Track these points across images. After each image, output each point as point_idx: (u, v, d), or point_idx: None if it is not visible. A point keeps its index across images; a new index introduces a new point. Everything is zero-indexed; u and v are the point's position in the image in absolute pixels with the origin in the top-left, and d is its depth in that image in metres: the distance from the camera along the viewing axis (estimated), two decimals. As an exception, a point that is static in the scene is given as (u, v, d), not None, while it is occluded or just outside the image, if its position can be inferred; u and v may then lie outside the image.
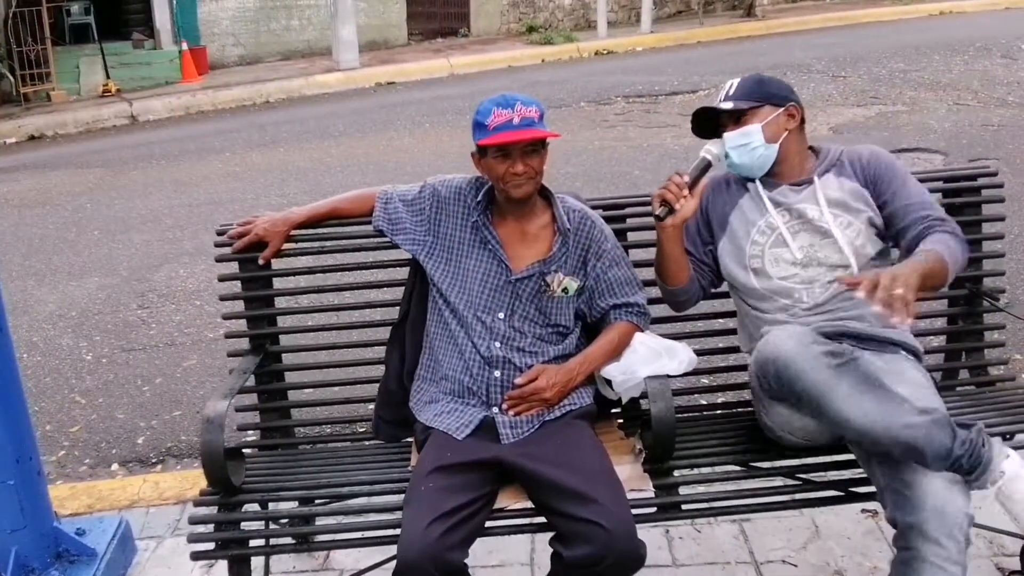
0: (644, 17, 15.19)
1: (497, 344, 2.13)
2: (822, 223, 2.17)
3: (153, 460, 3.49)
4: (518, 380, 2.10)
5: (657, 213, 2.15)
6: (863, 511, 2.66)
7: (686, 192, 2.13)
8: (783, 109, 2.21)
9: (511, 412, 2.08)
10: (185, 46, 12.34)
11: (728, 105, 2.19)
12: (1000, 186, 2.58)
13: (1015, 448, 1.98)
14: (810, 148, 2.31)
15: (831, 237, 2.16)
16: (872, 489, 2.06)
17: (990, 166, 2.66)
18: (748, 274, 2.24)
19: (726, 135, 2.21)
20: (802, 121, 2.25)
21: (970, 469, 1.82)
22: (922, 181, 2.58)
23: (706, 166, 2.19)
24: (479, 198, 2.21)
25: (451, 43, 15.03)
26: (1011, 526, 2.10)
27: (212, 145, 8.88)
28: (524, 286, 2.16)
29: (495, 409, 2.11)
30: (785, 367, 1.91)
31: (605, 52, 14.06)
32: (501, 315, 2.15)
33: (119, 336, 4.58)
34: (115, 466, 3.47)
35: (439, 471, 1.92)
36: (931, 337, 2.69)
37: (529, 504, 1.97)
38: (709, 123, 2.28)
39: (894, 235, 2.18)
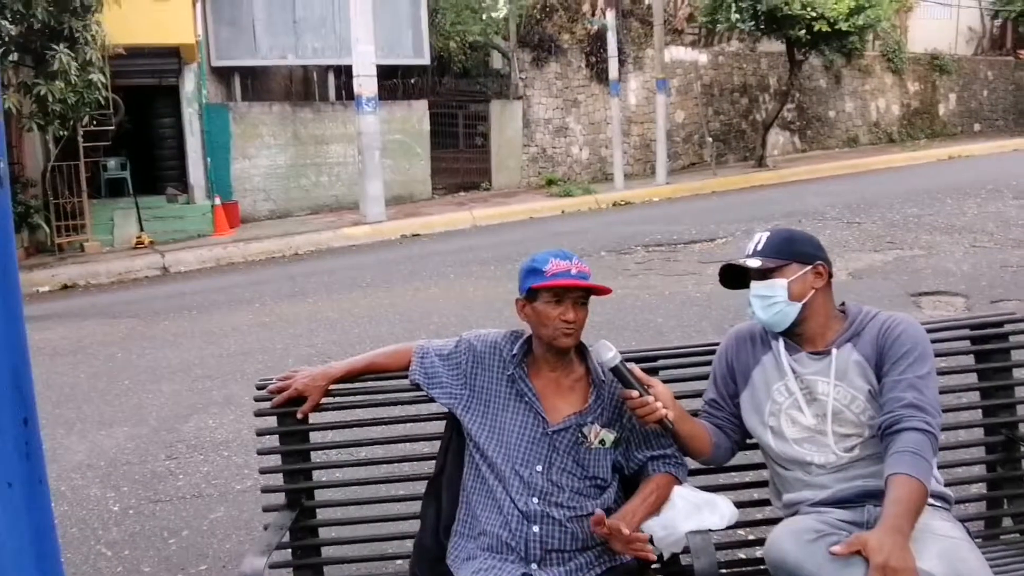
0: (659, 169, 15.76)
1: (535, 499, 2.13)
2: (827, 400, 2.16)
3: (179, 618, 3.42)
4: (595, 519, 2.05)
5: (665, 430, 2.16)
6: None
7: (645, 398, 2.10)
8: (811, 267, 2.22)
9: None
10: (218, 201, 12.88)
11: (755, 263, 2.23)
12: (1028, 332, 2.60)
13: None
14: (842, 307, 2.30)
15: (838, 412, 2.16)
16: None
17: (1015, 312, 2.69)
18: (766, 431, 2.24)
19: (752, 284, 2.25)
20: (829, 278, 2.26)
21: None
22: (947, 330, 2.63)
23: (619, 368, 2.13)
24: (515, 351, 2.26)
25: (473, 196, 15.58)
26: None
27: (242, 296, 9.11)
28: (561, 438, 2.18)
29: (534, 566, 2.08)
30: (794, 572, 1.90)
31: (623, 203, 14.51)
32: (539, 468, 2.16)
33: (146, 487, 4.56)
34: (139, 625, 3.39)
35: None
36: (971, 485, 2.65)
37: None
38: (736, 275, 2.33)
39: (879, 407, 2.13)
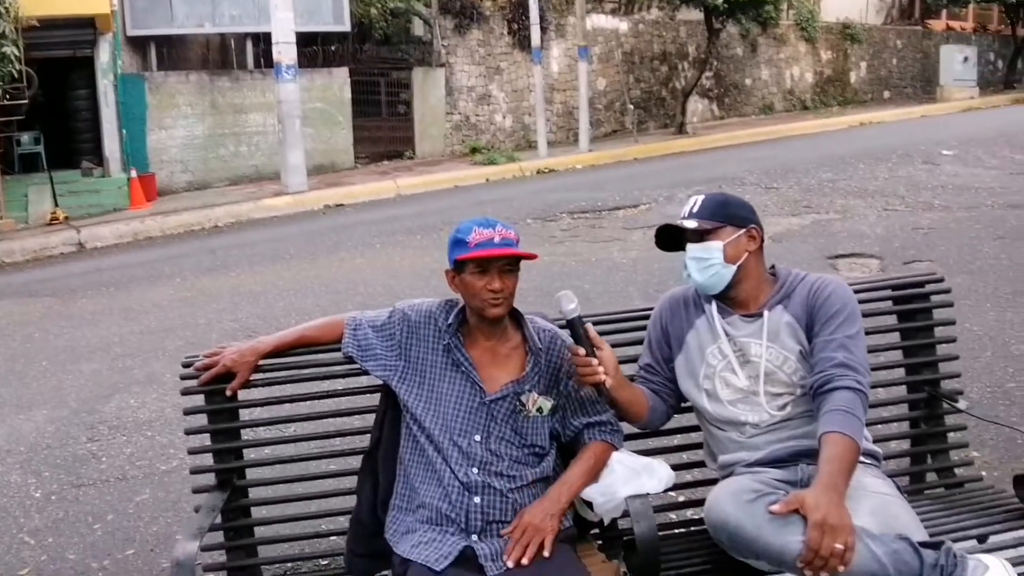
0: (582, 136, 15.82)
1: (475, 470, 2.12)
2: (759, 361, 2.21)
3: (106, 604, 3.32)
4: (505, 532, 2.06)
5: (599, 395, 2.16)
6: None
7: (591, 359, 2.09)
8: (744, 230, 2.26)
9: (512, 561, 1.99)
10: (134, 173, 12.43)
11: (692, 224, 2.25)
12: (948, 291, 2.69)
13: (990, 550, 2.01)
14: (772, 271, 2.34)
15: (771, 372, 2.20)
16: None
17: (936, 272, 2.77)
18: (701, 394, 2.27)
19: (688, 247, 2.27)
20: (762, 242, 2.29)
21: None
22: (871, 291, 2.70)
23: (574, 324, 2.14)
24: (450, 321, 2.23)
25: (397, 165, 15.38)
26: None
27: (162, 271, 8.82)
28: (499, 407, 2.16)
29: (475, 537, 2.07)
30: (735, 533, 1.94)
31: (547, 170, 14.52)
32: (477, 437, 2.14)
33: (68, 471, 4.40)
34: (68, 612, 3.28)
35: (424, 605, 1.87)
36: (894, 441, 2.74)
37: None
38: (672, 238, 2.33)
39: (810, 367, 2.18)
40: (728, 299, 2.28)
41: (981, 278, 6.43)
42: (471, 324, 2.22)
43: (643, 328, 2.49)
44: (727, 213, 2.27)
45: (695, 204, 2.30)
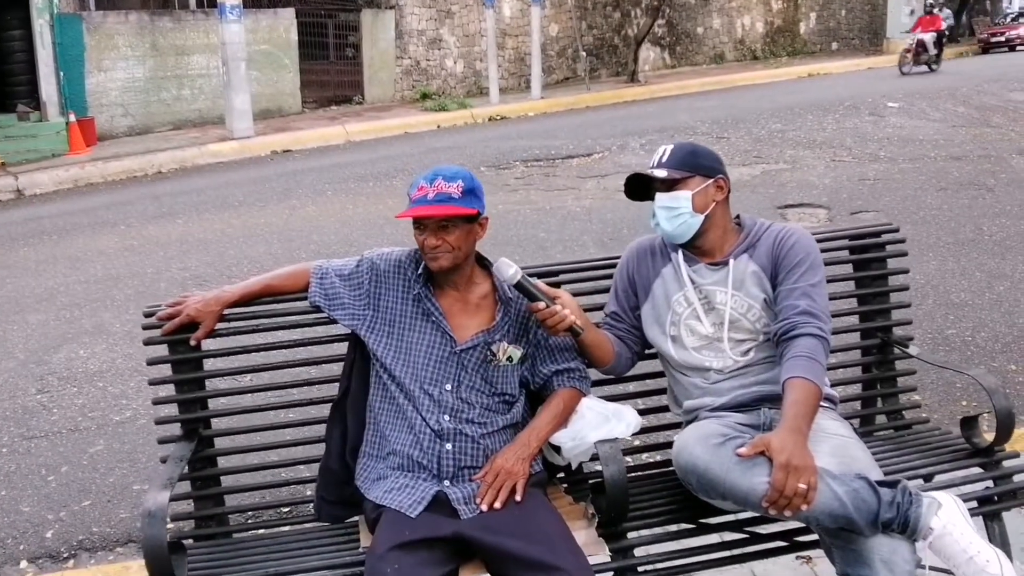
0: (534, 84, 15.69)
1: (446, 417, 2.13)
2: (724, 309, 2.25)
3: (65, 555, 3.28)
4: (477, 476, 2.09)
5: (575, 336, 2.19)
6: (797, 557, 2.74)
7: (555, 308, 2.11)
8: (712, 180, 2.29)
9: (485, 504, 2.03)
10: (72, 117, 12.00)
11: (661, 173, 2.27)
12: (902, 241, 2.76)
13: (936, 488, 2.11)
14: (737, 220, 2.38)
15: (735, 320, 2.26)
16: (812, 538, 2.18)
17: (890, 223, 2.85)
18: (667, 340, 2.32)
19: (657, 196, 2.29)
20: (728, 193, 2.33)
21: (902, 529, 1.92)
22: (830, 239, 2.76)
23: (522, 283, 2.14)
24: (420, 271, 2.22)
25: (346, 110, 15.10)
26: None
27: (106, 218, 8.59)
28: (469, 356, 2.18)
29: (447, 482, 2.10)
30: (704, 475, 2.00)
31: (499, 117, 14.40)
32: (448, 387, 2.16)
33: (19, 423, 4.32)
34: (24, 563, 3.23)
35: (399, 550, 1.89)
36: (846, 385, 2.83)
37: (489, 577, 1.96)
38: (641, 187, 2.35)
39: (774, 314, 2.24)
40: (694, 248, 2.32)
41: (924, 228, 6.62)
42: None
43: (603, 277, 2.52)
44: (696, 163, 2.29)
45: (664, 153, 2.32)
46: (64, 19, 12.60)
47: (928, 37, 17.72)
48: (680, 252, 2.32)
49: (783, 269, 2.23)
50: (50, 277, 6.65)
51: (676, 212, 2.26)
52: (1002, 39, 25.20)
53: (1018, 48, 24.74)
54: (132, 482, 3.69)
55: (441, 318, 2.18)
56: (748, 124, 11.55)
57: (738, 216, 2.39)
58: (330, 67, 15.79)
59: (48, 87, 12.46)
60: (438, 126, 13.79)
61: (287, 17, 14.72)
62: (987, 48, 24.99)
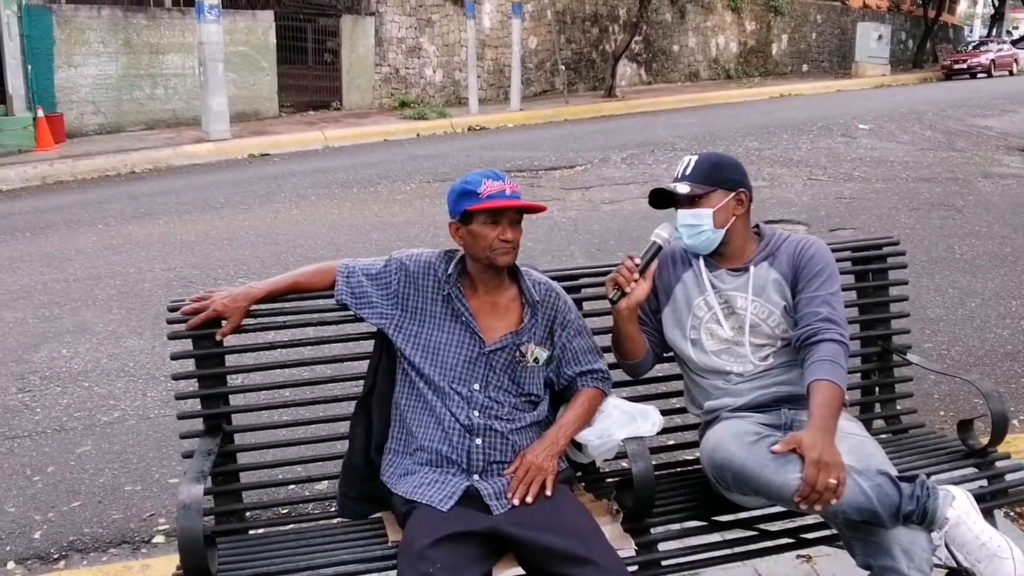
0: (513, 95, 15.77)
1: (476, 413, 2.17)
2: (745, 314, 2.33)
3: (55, 556, 3.21)
4: (508, 472, 2.13)
5: (611, 297, 2.27)
6: (798, 556, 2.81)
7: (637, 276, 2.26)
8: (733, 195, 2.35)
9: (516, 499, 2.07)
10: (40, 112, 11.81)
11: (684, 189, 2.34)
12: (902, 254, 2.87)
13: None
14: (756, 229, 2.45)
15: (755, 325, 2.33)
16: (818, 535, 2.29)
17: (893, 236, 2.95)
18: (687, 344, 2.39)
19: (678, 213, 2.36)
20: (750, 204, 2.40)
21: (920, 520, 2.01)
22: (834, 251, 2.84)
23: (657, 250, 2.31)
24: (450, 271, 2.25)
25: (324, 116, 15.05)
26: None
27: (81, 217, 8.47)
28: (498, 357, 2.21)
29: (476, 477, 2.13)
30: (740, 472, 2.07)
31: (478, 128, 14.46)
32: (476, 386, 2.19)
33: (0, 423, 4.24)
34: (11, 564, 3.16)
35: (437, 548, 1.91)
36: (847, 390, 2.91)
37: (520, 572, 1.98)
38: (663, 196, 2.41)
39: (794, 321, 2.32)
40: (715, 255, 2.40)
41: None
42: (472, 275, 2.25)
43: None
44: (718, 177, 2.35)
45: (688, 165, 2.38)
46: (33, 11, 12.40)
47: None
48: (701, 258, 2.40)
49: (803, 278, 2.30)
50: (26, 275, 6.54)
51: (699, 229, 2.34)
52: (964, 66, 25.93)
53: (979, 75, 25.46)
54: (124, 483, 3.64)
55: (471, 318, 2.21)
56: (726, 141, 11.73)
57: (757, 225, 2.46)
58: (308, 72, 15.74)
59: (15, 80, 12.23)
60: (417, 134, 13.80)
61: (266, 20, 14.66)
62: (950, 75, 25.69)
